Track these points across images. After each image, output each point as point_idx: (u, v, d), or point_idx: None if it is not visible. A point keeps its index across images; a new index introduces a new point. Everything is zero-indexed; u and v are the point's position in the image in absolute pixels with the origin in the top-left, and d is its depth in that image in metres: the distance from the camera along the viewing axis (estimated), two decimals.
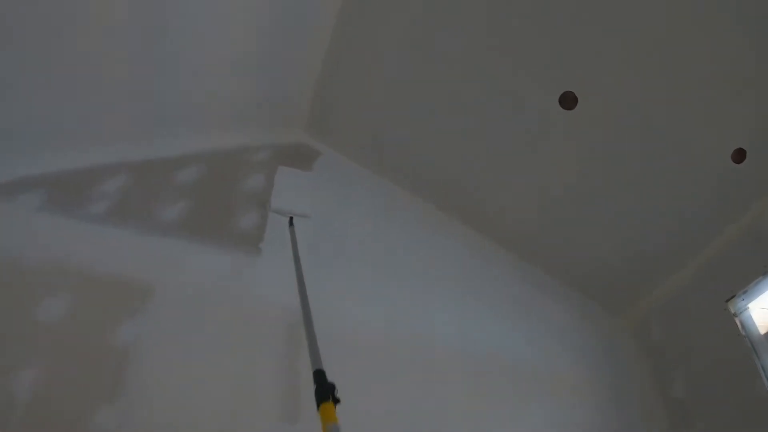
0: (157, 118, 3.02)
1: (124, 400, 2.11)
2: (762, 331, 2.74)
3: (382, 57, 3.00)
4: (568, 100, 2.86)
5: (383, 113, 3.23)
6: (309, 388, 2.32)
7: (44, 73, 2.42)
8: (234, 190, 3.06)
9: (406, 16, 2.80)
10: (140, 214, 2.74)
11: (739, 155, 2.74)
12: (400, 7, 2.78)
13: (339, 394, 1.46)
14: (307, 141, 3.47)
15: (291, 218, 2.92)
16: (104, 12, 2.37)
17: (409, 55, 2.93)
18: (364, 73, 3.11)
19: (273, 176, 3.17)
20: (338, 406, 1.42)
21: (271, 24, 2.87)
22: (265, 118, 3.33)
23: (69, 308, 2.26)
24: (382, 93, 3.16)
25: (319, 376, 1.52)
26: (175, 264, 2.62)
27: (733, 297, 2.85)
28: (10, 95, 2.39)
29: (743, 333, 2.76)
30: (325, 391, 1.42)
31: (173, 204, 2.85)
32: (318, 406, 1.39)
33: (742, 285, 2.80)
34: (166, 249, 2.65)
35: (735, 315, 2.83)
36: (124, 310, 2.35)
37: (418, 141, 3.26)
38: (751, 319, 2.78)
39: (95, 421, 2.03)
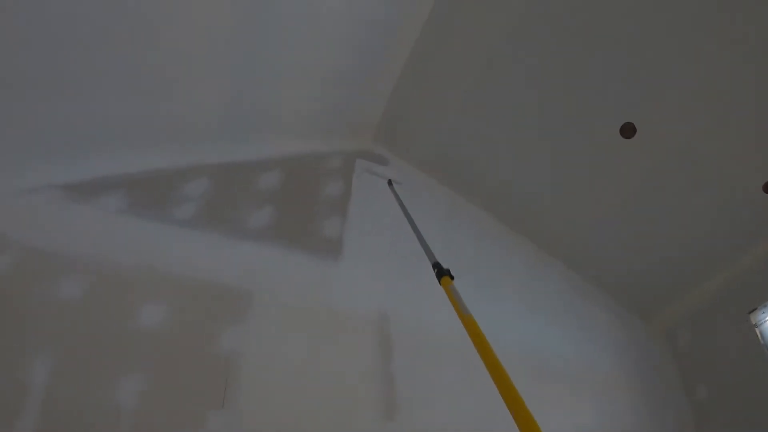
0: (238, 123, 3.06)
1: (233, 406, 2.13)
2: None
3: (455, 76, 3.18)
4: (627, 130, 3.14)
5: (451, 128, 3.43)
6: (402, 386, 2.57)
7: (131, 73, 2.38)
8: (312, 195, 3.15)
9: (484, 42, 2.98)
10: (228, 218, 2.77)
11: None
12: (478, 33, 2.96)
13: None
14: (376, 149, 3.61)
15: (390, 180, 3.39)
16: (202, 14, 2.36)
17: (481, 77, 3.12)
18: (436, 89, 3.28)
19: (348, 182, 3.31)
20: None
21: (358, 39, 2.96)
22: (337, 126, 3.45)
23: (171, 314, 2.26)
24: (451, 110, 3.35)
25: (437, 264, 1.99)
26: (270, 270, 2.68)
27: (755, 309, 3.22)
28: (92, 94, 2.35)
29: (763, 342, 3.14)
30: (444, 271, 1.93)
31: (259, 209, 2.92)
32: (439, 280, 1.91)
33: (764, 300, 3.18)
34: (259, 255, 2.71)
35: (756, 326, 3.21)
36: (227, 317, 2.38)
37: (482, 157, 3.49)
38: None
39: (206, 427, 2.04)
